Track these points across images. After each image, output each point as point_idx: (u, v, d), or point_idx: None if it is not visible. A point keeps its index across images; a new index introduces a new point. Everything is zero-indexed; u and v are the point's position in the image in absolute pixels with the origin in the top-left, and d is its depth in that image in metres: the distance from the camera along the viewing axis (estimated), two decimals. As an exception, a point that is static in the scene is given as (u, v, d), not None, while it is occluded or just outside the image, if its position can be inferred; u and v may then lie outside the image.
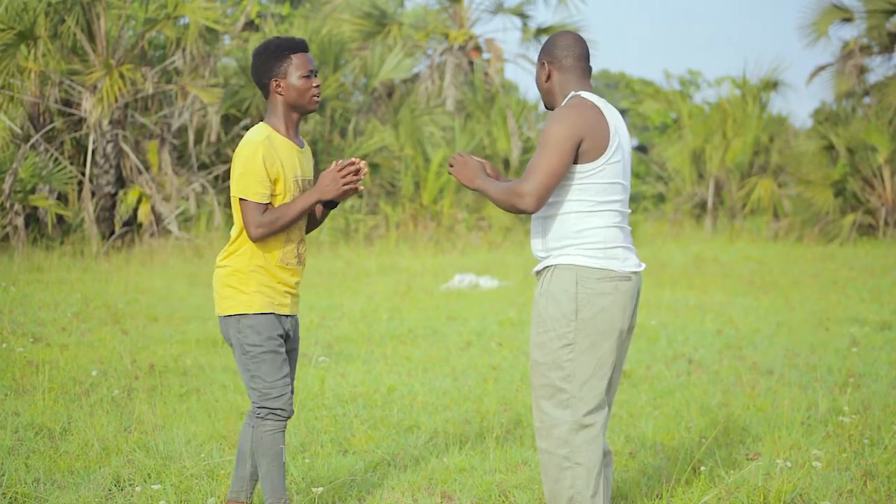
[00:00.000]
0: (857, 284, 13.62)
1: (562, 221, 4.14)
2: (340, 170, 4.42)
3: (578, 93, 4.19)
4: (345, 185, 4.43)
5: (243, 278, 4.42)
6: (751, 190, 22.50)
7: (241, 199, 4.36)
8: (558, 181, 4.05)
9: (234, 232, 4.46)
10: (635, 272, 4.18)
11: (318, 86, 4.49)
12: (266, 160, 4.34)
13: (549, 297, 4.14)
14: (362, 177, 4.46)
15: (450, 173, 4.34)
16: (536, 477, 5.35)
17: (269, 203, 4.40)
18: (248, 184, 4.34)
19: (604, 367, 4.14)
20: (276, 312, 4.44)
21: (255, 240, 4.38)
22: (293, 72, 4.43)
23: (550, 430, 4.15)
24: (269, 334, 4.41)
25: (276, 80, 4.44)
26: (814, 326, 10.27)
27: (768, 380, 7.79)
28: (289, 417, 4.47)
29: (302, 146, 4.57)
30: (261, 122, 4.49)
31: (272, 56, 4.45)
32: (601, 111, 4.13)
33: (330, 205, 4.60)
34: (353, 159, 4.43)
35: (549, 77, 4.25)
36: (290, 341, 4.58)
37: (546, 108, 4.33)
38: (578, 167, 4.09)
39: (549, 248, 4.19)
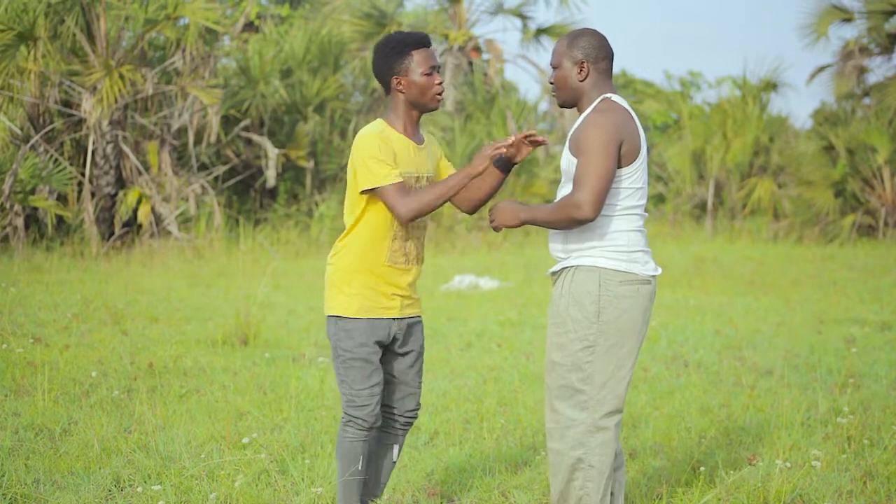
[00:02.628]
0: (856, 285, 13.62)
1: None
2: (495, 149, 4.21)
3: (608, 96, 4.18)
4: (495, 155, 4.22)
5: (346, 278, 4.32)
6: (751, 190, 22.48)
7: (374, 189, 4.22)
8: (610, 185, 4.03)
9: (345, 230, 4.36)
10: (654, 276, 4.20)
11: (440, 83, 4.33)
12: (381, 148, 4.22)
13: (570, 299, 4.13)
14: (532, 140, 4.22)
15: (495, 228, 4.26)
16: (536, 477, 5.36)
17: (402, 181, 4.24)
18: (372, 170, 4.21)
19: (622, 369, 4.15)
20: (376, 317, 4.31)
21: (409, 221, 4.25)
22: (415, 69, 4.29)
23: (565, 431, 4.15)
24: (362, 340, 4.30)
25: (398, 78, 4.31)
26: (813, 327, 10.27)
27: (768, 380, 7.79)
28: (371, 428, 4.35)
29: (421, 143, 4.41)
30: (378, 119, 4.37)
31: (394, 52, 4.31)
32: (631, 114, 4.15)
33: (506, 168, 4.37)
34: (511, 138, 4.20)
35: (586, 77, 4.19)
36: (402, 345, 4.44)
37: (565, 106, 4.28)
38: (618, 171, 4.10)
39: (571, 250, 4.18)
